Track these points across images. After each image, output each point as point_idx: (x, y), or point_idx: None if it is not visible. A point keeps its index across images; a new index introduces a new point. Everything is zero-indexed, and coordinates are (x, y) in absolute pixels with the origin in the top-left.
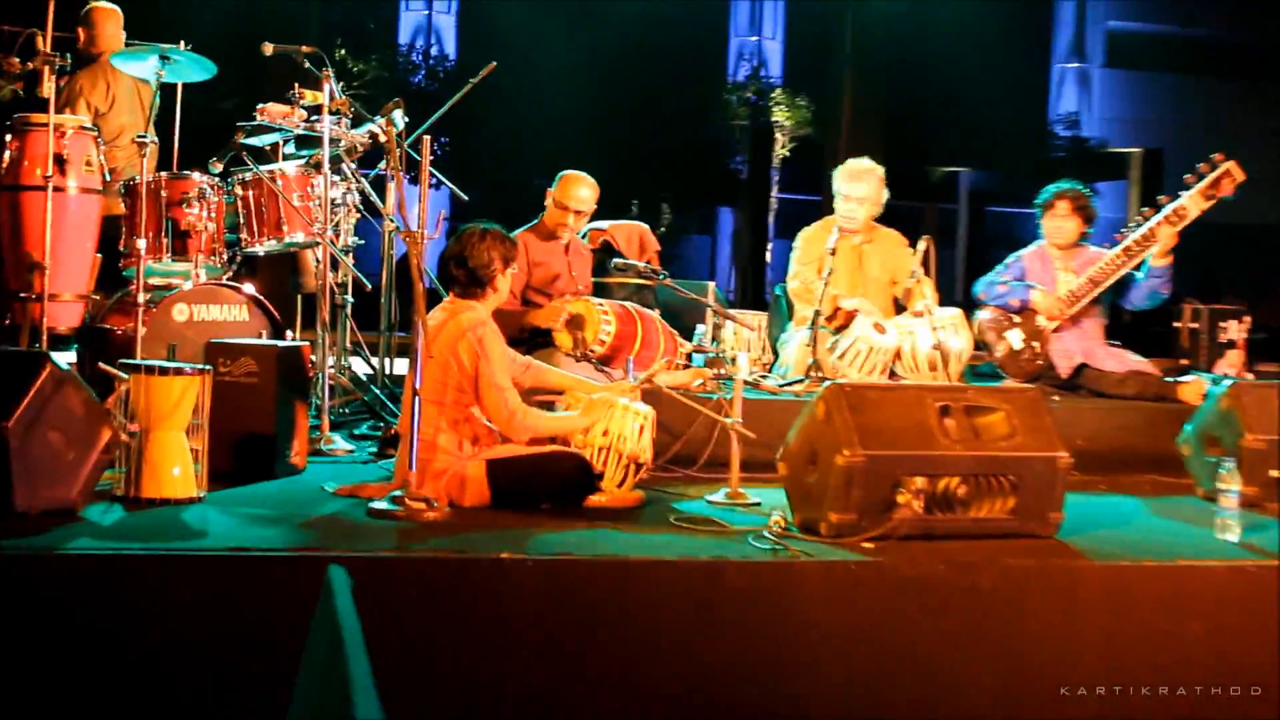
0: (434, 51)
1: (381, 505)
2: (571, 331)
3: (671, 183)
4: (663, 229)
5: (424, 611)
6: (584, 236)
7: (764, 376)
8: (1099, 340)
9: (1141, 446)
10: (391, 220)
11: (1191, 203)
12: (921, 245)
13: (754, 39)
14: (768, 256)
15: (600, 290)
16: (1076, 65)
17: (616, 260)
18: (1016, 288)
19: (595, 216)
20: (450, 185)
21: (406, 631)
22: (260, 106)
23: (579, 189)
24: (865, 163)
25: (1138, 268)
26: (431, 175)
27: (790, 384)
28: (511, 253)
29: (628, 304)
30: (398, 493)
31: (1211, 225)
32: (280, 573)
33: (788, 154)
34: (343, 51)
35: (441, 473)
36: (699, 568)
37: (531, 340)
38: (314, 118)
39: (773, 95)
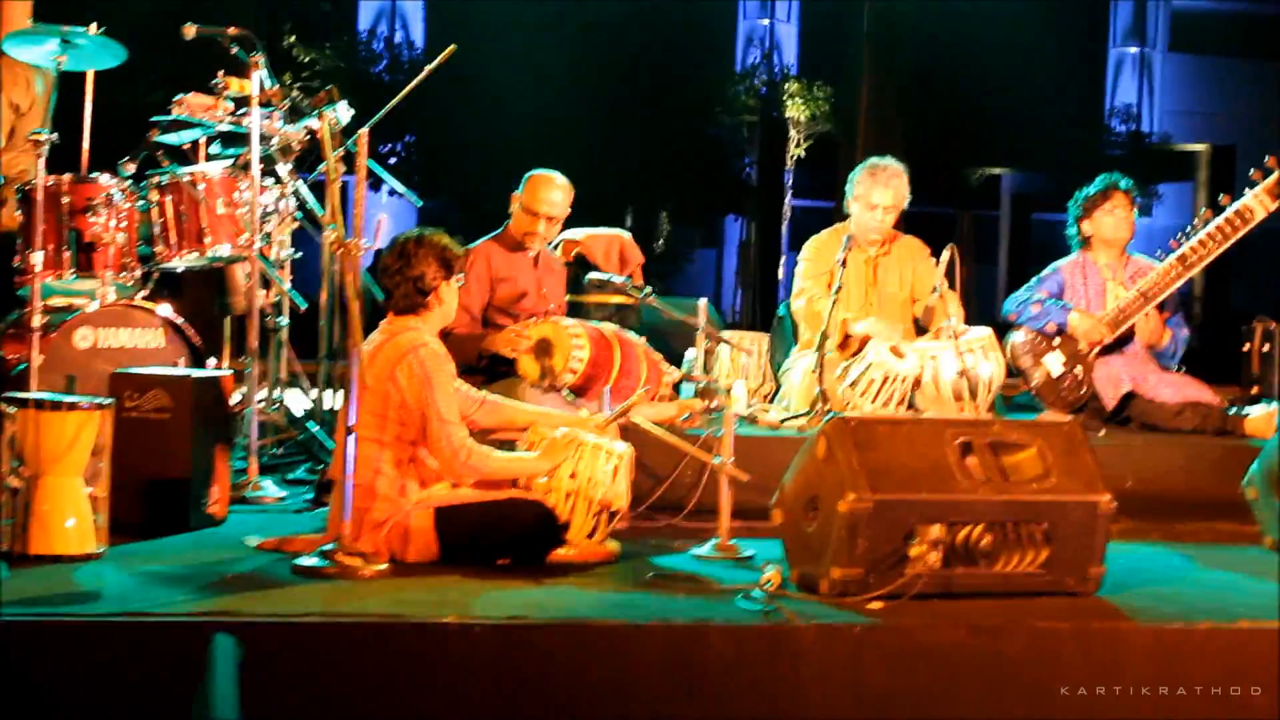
0: (398, 39)
1: (309, 561)
2: (538, 358)
3: (671, 189)
4: (661, 241)
5: (353, 685)
6: (555, 248)
7: (763, 410)
8: (1151, 365)
9: (1200, 489)
10: (331, 230)
11: (1257, 203)
12: (945, 255)
13: (765, 22)
14: (779, 272)
15: (574, 310)
16: (1136, 49)
17: (592, 275)
18: (1051, 307)
19: (571, 224)
20: (400, 188)
21: (330, 708)
22: (178, 98)
23: (549, 191)
24: (893, 163)
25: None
26: (382, 179)
27: (793, 418)
28: (454, 259)
29: (604, 326)
30: (329, 546)
31: None
32: (177, 640)
33: (803, 153)
34: (291, 38)
35: (381, 523)
36: (678, 633)
37: (492, 369)
38: (241, 111)
39: (785, 85)
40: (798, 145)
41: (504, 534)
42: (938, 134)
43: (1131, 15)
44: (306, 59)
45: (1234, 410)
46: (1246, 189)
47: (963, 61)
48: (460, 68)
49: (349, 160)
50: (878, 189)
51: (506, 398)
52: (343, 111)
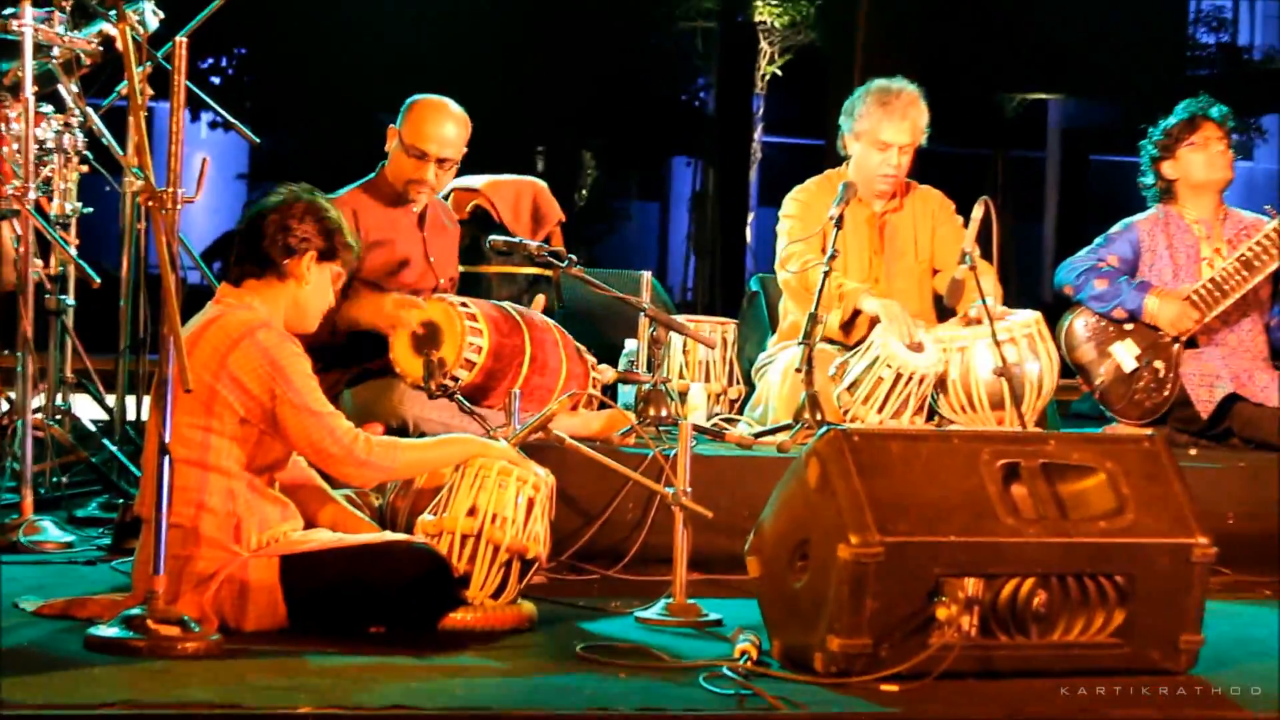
0: None
1: (109, 632)
2: (421, 350)
3: (600, 121)
4: (585, 191)
5: None
6: (446, 199)
7: (731, 421)
8: (1260, 358)
9: None
10: (135, 175)
11: None
12: (977, 211)
13: None
14: (747, 234)
15: (470, 284)
16: None
17: (495, 238)
18: (1123, 285)
19: (467, 169)
20: (229, 119)
21: None
22: None
23: (440, 124)
24: (908, 87)
25: None
26: (206, 106)
27: (772, 432)
28: (335, 230)
29: (510, 306)
30: (136, 611)
31: None
32: None
33: (778, 72)
34: None
35: (208, 578)
36: None
37: (351, 356)
38: (8, 11)
39: None
40: (771, 61)
41: (378, 591)
42: (963, 47)
43: None
44: None
45: None
46: None
47: None
48: None
49: (159, 81)
50: (890, 122)
51: (378, 406)
52: (149, 13)
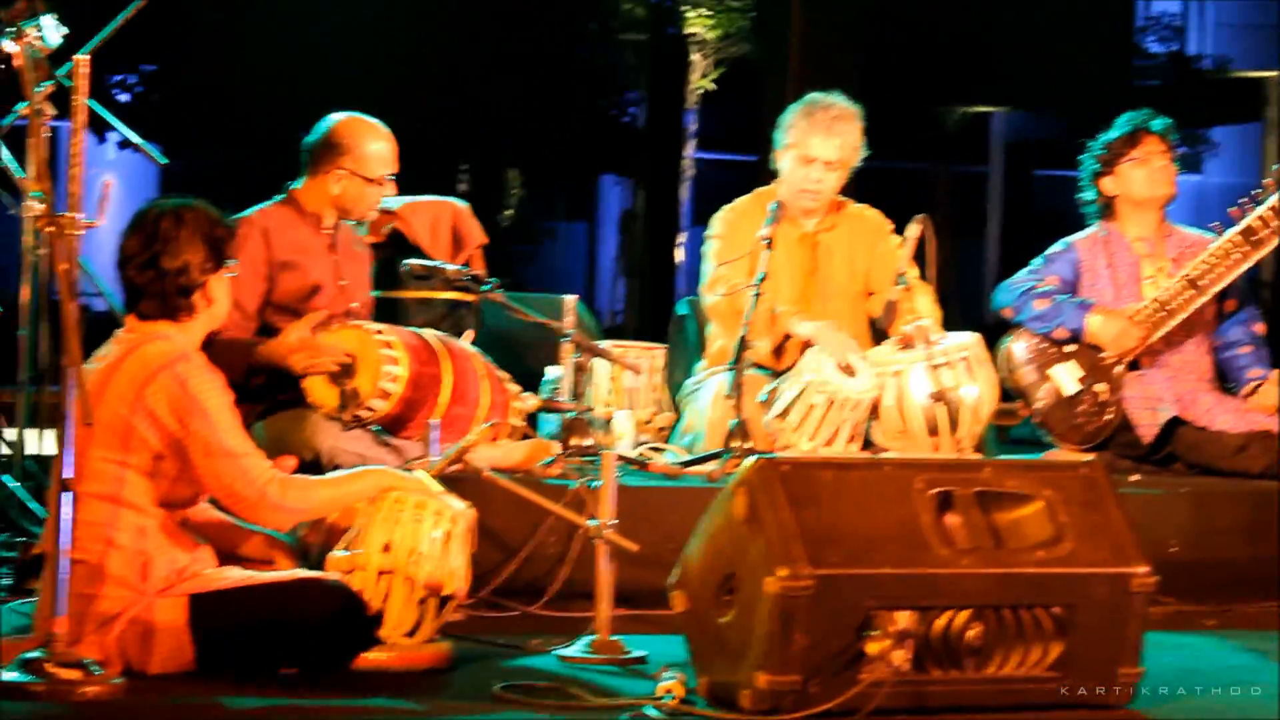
0: None
1: (6, 676)
2: (336, 379)
3: (524, 138)
4: (510, 212)
5: None
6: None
7: (658, 449)
8: (1205, 380)
9: (1272, 555)
10: (35, 199)
11: None
12: (913, 230)
13: None
14: (679, 255)
15: (386, 310)
16: None
17: (413, 262)
18: (1064, 303)
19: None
20: (136, 139)
21: None
22: None
23: (379, 143)
24: (840, 102)
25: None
26: (110, 126)
27: (700, 461)
28: (224, 239)
29: (429, 333)
30: (36, 654)
31: None
32: None
33: (711, 86)
34: None
35: (112, 618)
36: None
37: (266, 392)
38: None
39: None
40: (704, 75)
41: (288, 631)
42: (903, 59)
43: None
44: None
45: None
46: None
47: None
48: None
49: (62, 100)
50: (817, 136)
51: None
52: (50, 30)
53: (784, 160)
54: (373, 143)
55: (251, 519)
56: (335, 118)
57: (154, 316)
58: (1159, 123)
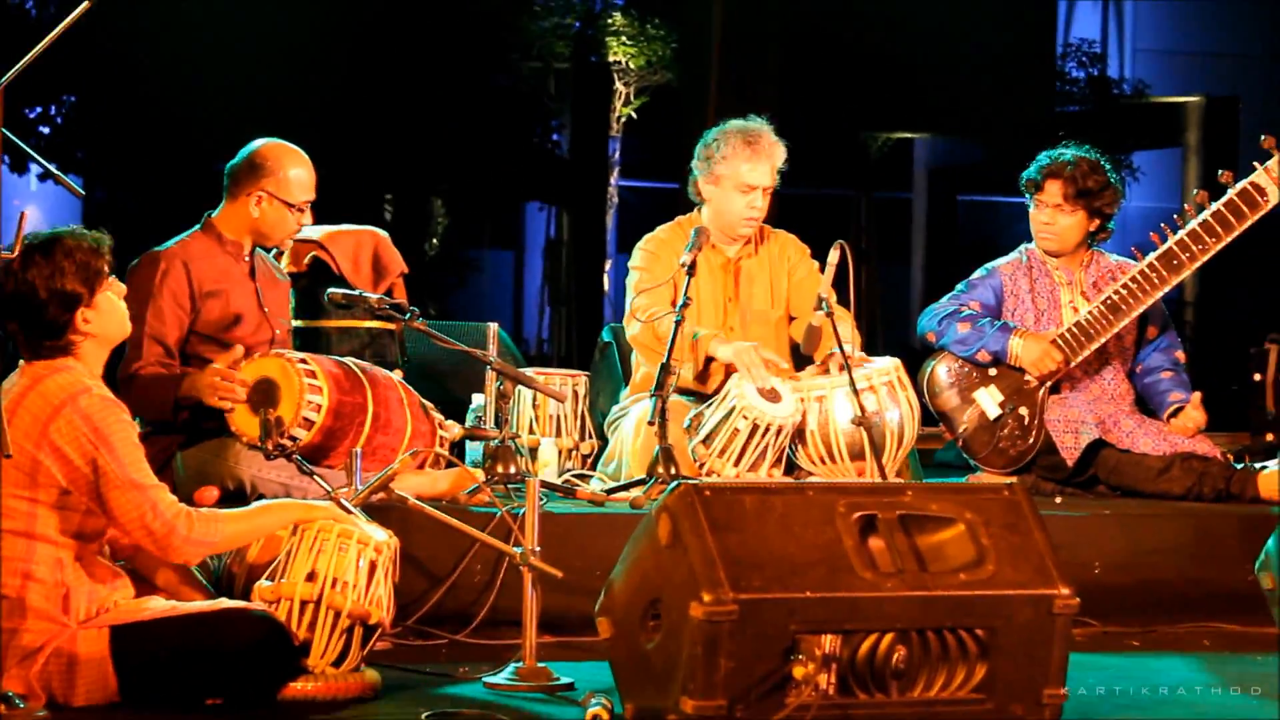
0: None
1: None
2: (258, 408)
3: (447, 166)
4: (434, 240)
5: None
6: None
7: (583, 477)
8: (1126, 404)
9: (1197, 575)
10: None
11: (1271, 181)
12: (833, 255)
13: None
14: (605, 283)
15: (307, 339)
16: None
17: (334, 291)
18: (985, 328)
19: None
20: (54, 172)
21: None
22: None
23: (307, 170)
24: (765, 126)
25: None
26: (29, 158)
27: (624, 488)
28: (94, 260)
29: (352, 362)
30: None
31: None
32: None
33: (633, 114)
34: None
35: (35, 651)
36: None
37: (189, 423)
38: None
39: (610, 21)
40: (627, 103)
41: (213, 661)
42: (824, 85)
43: None
44: None
45: (1242, 465)
46: (1257, 162)
47: None
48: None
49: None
50: (756, 163)
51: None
52: None
53: (712, 190)
54: (294, 167)
55: (159, 552)
56: (258, 142)
57: (44, 355)
58: (1070, 166)
